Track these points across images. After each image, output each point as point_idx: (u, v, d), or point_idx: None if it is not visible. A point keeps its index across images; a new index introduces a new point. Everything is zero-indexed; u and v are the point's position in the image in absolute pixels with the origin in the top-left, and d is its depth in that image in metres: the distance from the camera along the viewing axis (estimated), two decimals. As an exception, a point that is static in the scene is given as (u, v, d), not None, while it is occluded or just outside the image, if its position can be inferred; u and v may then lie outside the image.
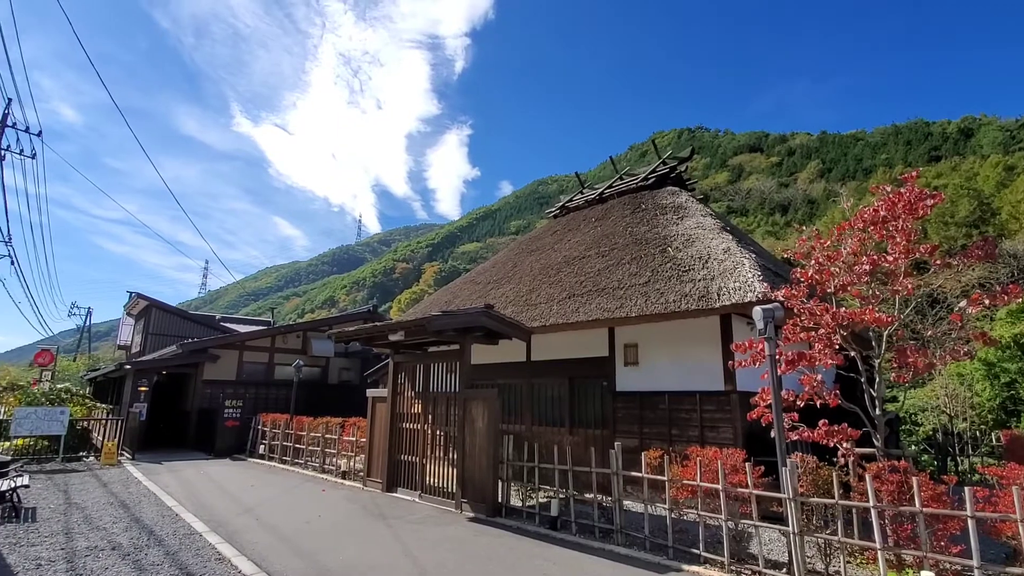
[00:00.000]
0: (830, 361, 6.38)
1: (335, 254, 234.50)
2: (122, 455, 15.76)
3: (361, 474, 10.94)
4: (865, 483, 5.19)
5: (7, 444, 14.29)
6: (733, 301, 7.94)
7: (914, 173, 6.84)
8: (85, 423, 16.96)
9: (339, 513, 8.50)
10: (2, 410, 18.98)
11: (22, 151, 23.00)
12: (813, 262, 6.93)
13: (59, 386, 19.95)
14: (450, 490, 8.81)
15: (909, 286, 6.38)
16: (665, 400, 9.41)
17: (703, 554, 5.91)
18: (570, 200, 16.28)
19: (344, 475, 11.68)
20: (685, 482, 6.24)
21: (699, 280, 8.69)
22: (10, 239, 22.33)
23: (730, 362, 7.26)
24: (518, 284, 12.56)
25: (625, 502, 6.93)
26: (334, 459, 12.34)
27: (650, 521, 6.50)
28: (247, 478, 12.11)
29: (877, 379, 6.71)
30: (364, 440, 11.13)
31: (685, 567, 5.80)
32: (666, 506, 6.32)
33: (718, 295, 8.19)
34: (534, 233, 16.01)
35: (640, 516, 6.82)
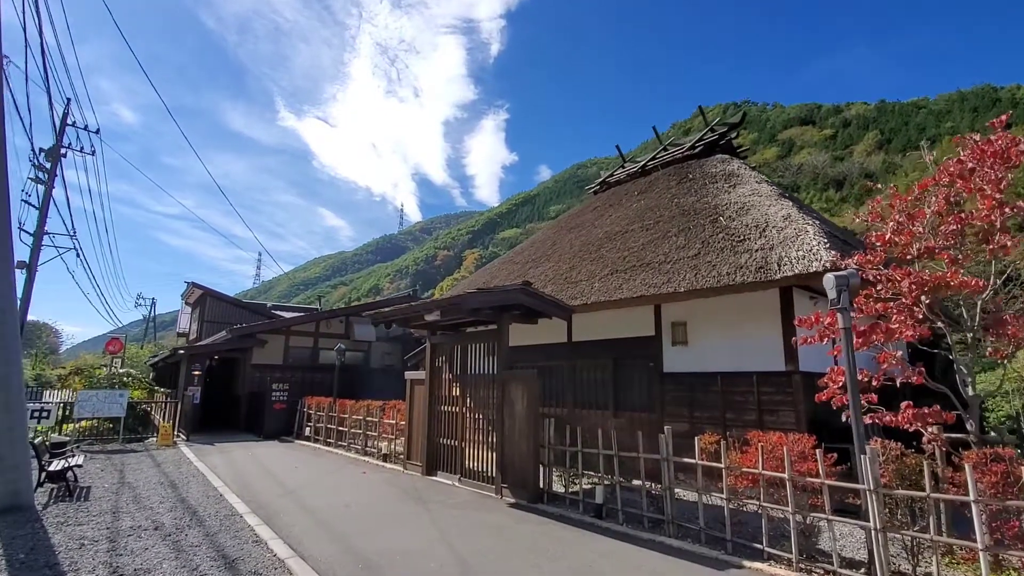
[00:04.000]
0: (910, 333, 5.60)
1: (379, 243, 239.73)
2: (178, 436, 16.37)
3: (402, 457, 10.82)
4: (959, 473, 4.50)
5: (71, 426, 15.06)
6: (796, 272, 7.17)
7: (1003, 117, 5.89)
8: (145, 406, 17.75)
9: (378, 496, 8.35)
10: (69, 393, 20.16)
11: (82, 148, 24.13)
12: (891, 223, 6.11)
13: (120, 371, 20.97)
14: (490, 474, 8.51)
15: (1008, 244, 5.50)
16: (718, 382, 8.74)
17: (767, 549, 5.34)
18: (611, 175, 15.53)
19: (385, 458, 11.62)
20: (745, 470, 5.65)
21: (756, 250, 7.93)
22: (74, 232, 23.50)
23: (794, 339, 6.56)
24: (557, 262, 12.04)
25: (675, 490, 6.40)
26: (375, 442, 12.32)
27: (705, 512, 5.96)
28: (292, 460, 12.26)
29: (968, 355, 5.88)
30: (404, 423, 10.99)
31: (747, 563, 5.24)
32: (723, 496, 5.76)
33: (778, 266, 7.44)
34: (574, 211, 15.40)
35: (693, 506, 6.29)
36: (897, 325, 5.59)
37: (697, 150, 12.85)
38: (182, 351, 18.81)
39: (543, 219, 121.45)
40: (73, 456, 9.15)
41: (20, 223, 21.49)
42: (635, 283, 9.25)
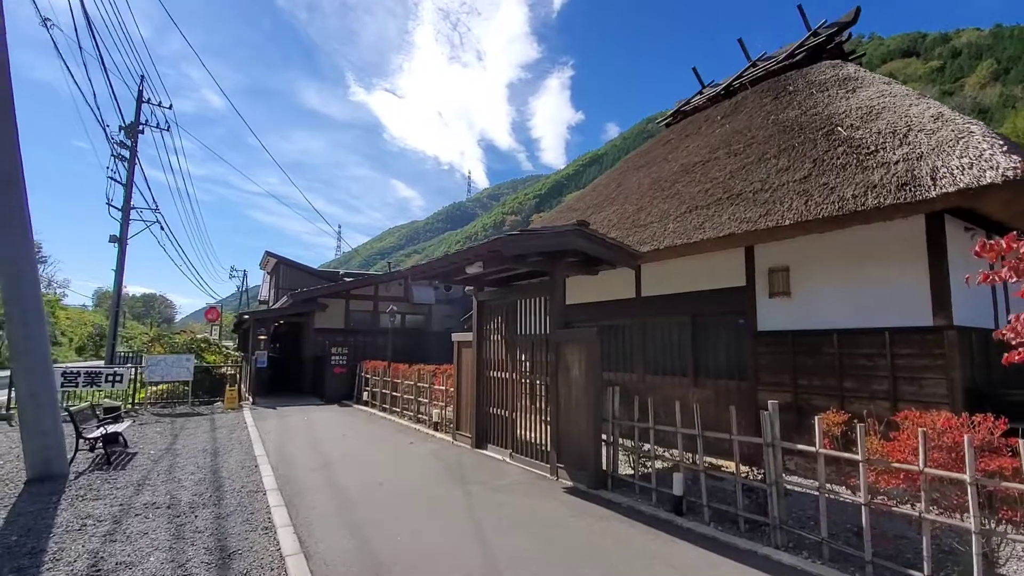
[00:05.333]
0: None
1: (448, 211, 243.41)
2: (245, 400, 16.59)
3: (451, 426, 9.86)
4: None
5: (149, 389, 15.57)
6: (961, 185, 5.09)
7: None
8: (220, 370, 18.17)
9: (418, 473, 7.38)
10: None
11: (157, 124, 24.90)
12: None
13: (198, 336, 21.81)
14: (545, 450, 7.27)
15: None
16: (833, 342, 6.83)
17: (931, 579, 3.67)
18: (686, 103, 13.25)
19: (436, 426, 10.75)
20: (898, 465, 3.94)
21: (896, 163, 5.84)
22: (156, 207, 24.56)
23: (967, 276, 4.59)
24: (623, 204, 10.27)
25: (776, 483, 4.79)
26: (428, 408, 11.50)
27: (829, 515, 4.33)
28: (343, 426, 11.73)
29: None
30: (453, 390, 9.99)
31: (901, 599, 3.62)
32: (860, 498, 4.09)
33: (932, 179, 5.36)
34: (641, 148, 13.38)
35: (807, 502, 4.70)
36: None
37: (797, 58, 10.38)
38: (247, 316, 19.03)
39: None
40: (117, 422, 8.94)
41: (108, 199, 22.59)
42: (721, 220, 7.40)
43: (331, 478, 7.12)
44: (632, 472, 6.33)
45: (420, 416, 11.76)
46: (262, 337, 18.81)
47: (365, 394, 15.45)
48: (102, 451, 8.01)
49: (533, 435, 7.59)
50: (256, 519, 5.45)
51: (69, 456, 7.58)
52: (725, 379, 8.12)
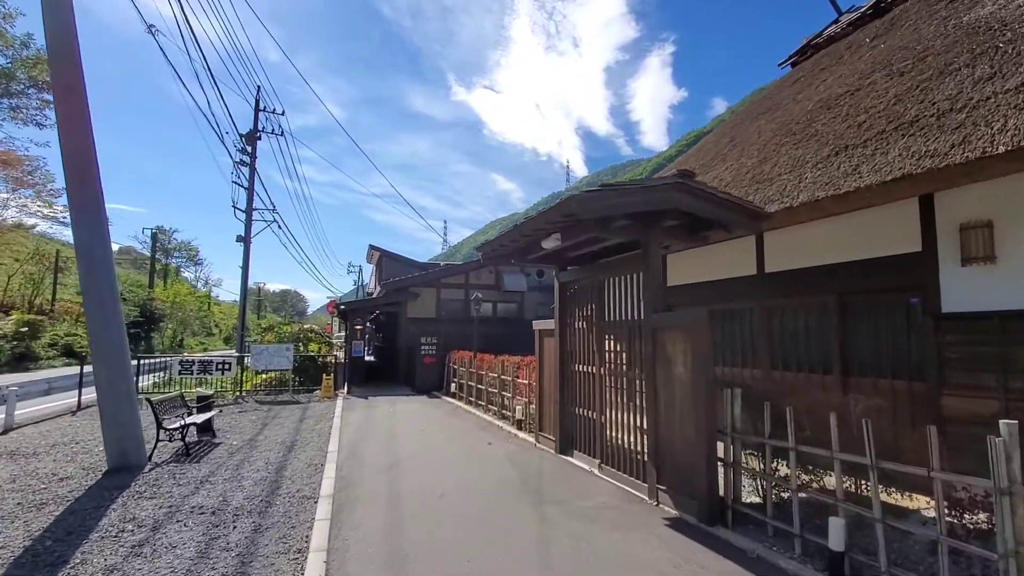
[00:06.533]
0: None
1: (547, 202, 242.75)
2: (341, 389, 16.82)
3: (534, 425, 8.72)
4: None
5: (259, 377, 16.31)
6: None
7: None
8: (325, 358, 18.74)
9: (489, 483, 6.31)
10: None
11: (272, 130, 26.69)
12: None
13: (306, 327, 22.84)
14: (641, 461, 5.83)
15: None
16: (1072, 325, 4.61)
17: None
18: (817, 36, 10.74)
19: (519, 424, 9.67)
20: None
21: None
22: (274, 207, 26.35)
23: None
24: (739, 159, 8.33)
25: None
26: (511, 403, 10.47)
27: None
28: (424, 420, 11.09)
29: None
30: (537, 384, 8.83)
31: None
32: None
33: None
34: (761, 95, 11.09)
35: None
36: None
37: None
38: (343, 307, 19.40)
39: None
40: (206, 411, 8.96)
41: (233, 202, 24.64)
42: (886, 159, 5.37)
43: (392, 484, 6.29)
44: (762, 499, 4.71)
45: (504, 411, 10.78)
46: (358, 327, 19.12)
47: (453, 385, 14.85)
48: (181, 442, 7.94)
49: (627, 443, 6.17)
50: (293, 536, 4.71)
51: (150, 447, 7.59)
52: (889, 378, 6.03)
